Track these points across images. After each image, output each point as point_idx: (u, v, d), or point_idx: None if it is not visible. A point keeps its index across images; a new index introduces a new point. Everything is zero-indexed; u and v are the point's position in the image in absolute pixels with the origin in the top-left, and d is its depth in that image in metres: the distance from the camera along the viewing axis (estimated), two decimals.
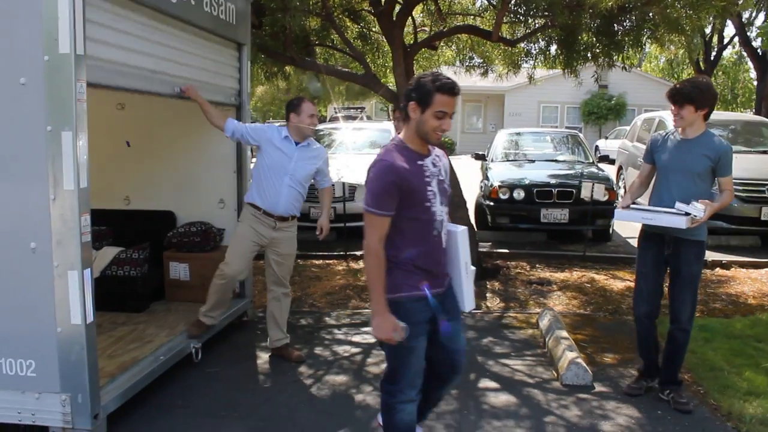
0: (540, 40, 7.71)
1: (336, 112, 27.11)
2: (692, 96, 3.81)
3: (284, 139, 4.62)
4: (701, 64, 27.67)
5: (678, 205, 3.80)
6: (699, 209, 3.72)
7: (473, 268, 3.05)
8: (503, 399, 4.20)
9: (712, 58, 27.24)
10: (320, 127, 12.81)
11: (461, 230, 2.98)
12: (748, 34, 22.74)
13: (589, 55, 7.34)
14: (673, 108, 3.91)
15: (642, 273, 4.14)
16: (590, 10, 6.18)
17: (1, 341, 3.41)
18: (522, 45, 8.12)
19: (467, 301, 3.00)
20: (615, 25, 6.75)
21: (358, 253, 8.29)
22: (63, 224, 3.26)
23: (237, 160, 5.54)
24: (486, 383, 4.45)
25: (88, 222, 3.34)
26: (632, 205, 3.97)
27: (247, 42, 5.39)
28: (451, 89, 2.71)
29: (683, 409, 3.98)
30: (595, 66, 7.26)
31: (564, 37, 6.91)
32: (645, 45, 7.37)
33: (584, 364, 4.48)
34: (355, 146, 10.97)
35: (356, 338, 5.36)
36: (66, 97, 3.19)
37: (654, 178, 4.10)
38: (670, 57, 29.95)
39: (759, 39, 18.81)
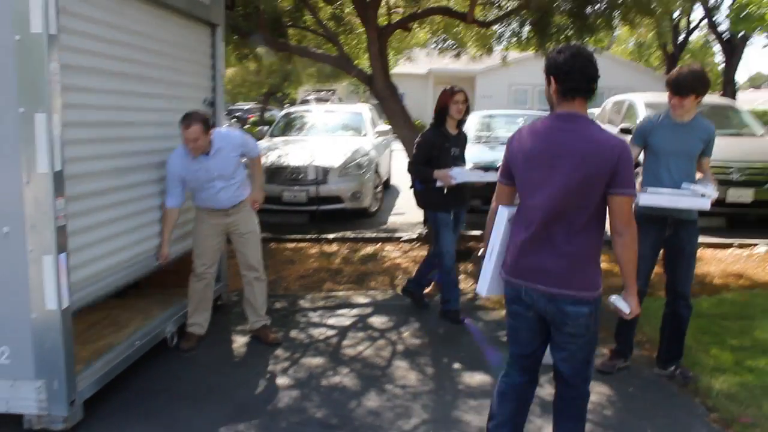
0: (513, 21, 7.76)
1: (307, 95, 26.97)
2: (695, 86, 3.91)
3: (193, 160, 4.41)
4: (669, 47, 28.04)
5: (690, 186, 3.93)
6: (712, 189, 3.85)
7: (497, 252, 2.93)
8: (478, 379, 4.25)
9: (679, 42, 27.61)
10: (292, 109, 12.75)
11: (502, 210, 2.92)
12: (715, 18, 23.08)
13: (561, 37, 7.41)
14: (674, 98, 3.97)
15: (641, 255, 4.15)
16: None
17: None
18: (495, 27, 8.15)
19: (482, 283, 2.98)
20: (588, 6, 6.82)
21: (331, 236, 8.29)
22: (37, 208, 3.21)
23: None
24: (461, 364, 4.50)
25: (63, 205, 3.29)
26: (649, 189, 4.00)
27: (221, 23, 5.32)
28: None
29: (690, 380, 4.17)
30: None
31: (537, 19, 6.96)
32: (616, 27, 7.45)
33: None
34: (327, 129, 10.92)
35: (331, 321, 5.38)
36: (38, 79, 3.13)
37: (644, 160, 4.18)
38: (639, 40, 30.24)
39: (726, 22, 19.08)
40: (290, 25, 8.01)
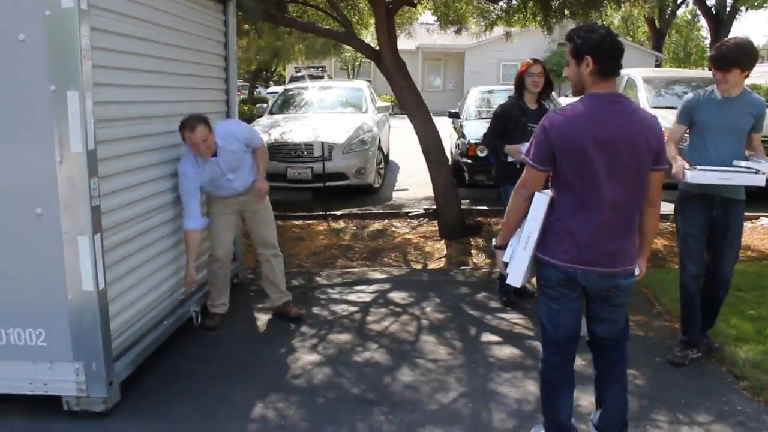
0: None
1: (297, 72, 26.71)
2: (739, 60, 3.70)
3: (204, 164, 4.29)
4: (657, 23, 28.05)
5: (741, 163, 3.76)
6: (766, 165, 3.70)
7: (534, 240, 2.83)
8: (508, 352, 4.27)
9: (666, 16, 27.63)
10: (290, 86, 12.62)
11: (541, 197, 2.81)
12: None
13: (567, 12, 7.37)
14: (717, 73, 3.76)
15: (692, 235, 4.01)
16: None
17: (8, 311, 3.32)
18: (501, 3, 8.10)
19: (515, 273, 2.88)
20: None
21: (338, 212, 8.26)
22: (71, 188, 3.15)
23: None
24: (488, 337, 4.52)
25: (97, 185, 3.23)
26: (698, 167, 3.75)
27: None
28: None
29: (716, 350, 4.21)
30: (574, 23, 7.29)
31: None
32: (622, 4, 7.41)
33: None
34: (327, 105, 10.82)
35: (351, 297, 5.37)
36: (70, 55, 3.05)
37: (689, 138, 4.00)
38: (625, 15, 30.19)
39: None
40: (290, 0, 7.89)
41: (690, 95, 3.99)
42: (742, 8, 18.03)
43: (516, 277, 2.87)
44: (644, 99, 10.04)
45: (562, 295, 2.84)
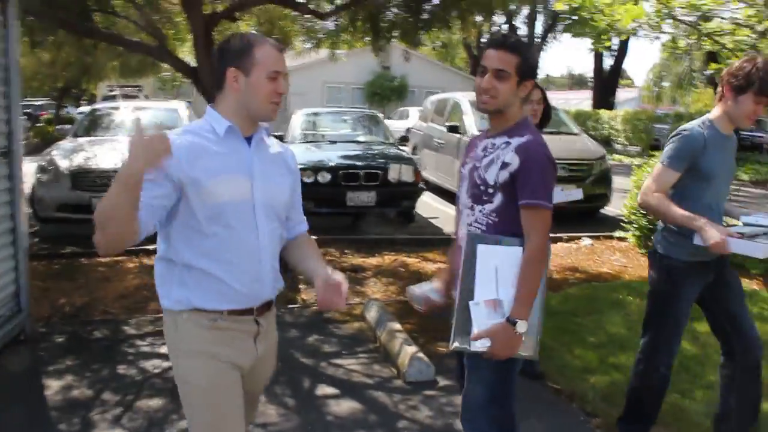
0: (345, 15, 7.41)
1: (110, 91, 24.80)
2: None
3: (226, 132, 2.12)
4: (474, 50, 29.55)
5: (749, 219, 3.02)
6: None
7: (496, 300, 2.34)
8: (347, 406, 3.81)
9: (483, 44, 29.19)
10: (99, 106, 11.45)
11: (480, 246, 2.35)
12: (514, 21, 24.62)
13: (396, 32, 7.20)
14: (761, 102, 2.88)
15: (679, 322, 3.12)
16: None
17: None
18: (325, 22, 7.78)
19: (452, 336, 2.39)
20: (425, 3, 6.65)
21: (151, 247, 7.37)
22: None
23: None
24: (324, 389, 4.04)
25: None
26: (734, 232, 2.86)
27: None
28: None
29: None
30: (404, 44, 7.15)
31: (374, 11, 6.66)
32: (453, 25, 7.37)
33: (426, 359, 4.24)
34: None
35: (164, 349, 4.61)
36: None
37: (688, 187, 2.99)
38: (445, 41, 31.47)
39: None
40: (96, 10, 7.00)
41: (687, 132, 2.96)
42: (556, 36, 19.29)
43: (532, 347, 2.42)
44: (471, 123, 10.18)
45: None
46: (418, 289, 2.71)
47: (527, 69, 2.35)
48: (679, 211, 2.85)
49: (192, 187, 2.02)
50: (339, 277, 2.16)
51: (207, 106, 2.16)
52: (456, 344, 2.38)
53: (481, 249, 2.33)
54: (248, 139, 2.15)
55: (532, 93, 3.95)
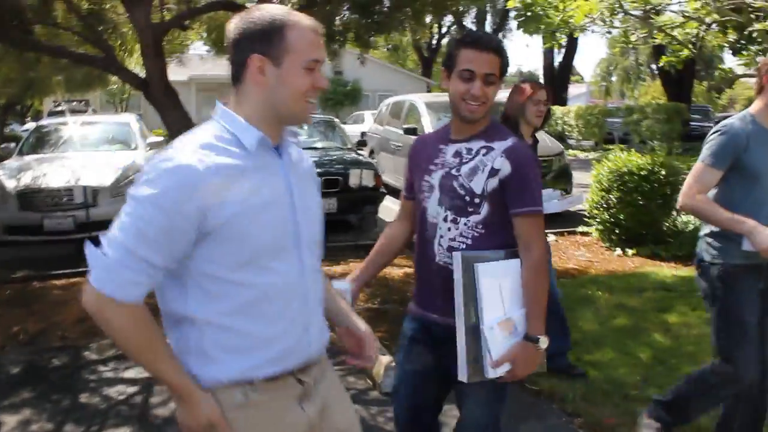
0: None
1: (56, 106, 24.11)
2: None
3: (258, 145, 1.63)
4: (424, 51, 29.68)
5: None
6: None
7: (496, 327, 2.16)
8: None
9: (433, 45, 29.33)
10: (45, 122, 11.06)
11: (486, 266, 2.16)
12: (464, 22, 24.80)
13: (349, 34, 7.11)
14: None
15: (751, 323, 2.79)
16: None
17: None
18: None
19: (462, 367, 2.18)
20: (377, 5, 6.57)
21: None
22: None
23: None
24: None
25: None
26: None
27: None
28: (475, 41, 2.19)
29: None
30: (357, 47, 7.07)
31: (327, 15, 6.56)
32: (407, 26, 7.32)
33: None
34: (91, 143, 9.54)
35: (129, 373, 4.45)
36: None
37: (732, 187, 2.79)
38: (396, 43, 31.60)
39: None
40: (36, 22, 6.74)
41: (728, 127, 2.78)
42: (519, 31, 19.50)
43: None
44: (428, 123, 10.15)
45: None
46: (337, 284, 2.51)
47: (505, 69, 2.24)
48: (725, 214, 2.67)
49: (222, 228, 1.53)
50: (364, 326, 1.83)
51: (218, 106, 1.64)
52: (468, 375, 2.17)
53: (481, 269, 2.14)
54: (276, 149, 1.68)
55: (538, 93, 3.88)
